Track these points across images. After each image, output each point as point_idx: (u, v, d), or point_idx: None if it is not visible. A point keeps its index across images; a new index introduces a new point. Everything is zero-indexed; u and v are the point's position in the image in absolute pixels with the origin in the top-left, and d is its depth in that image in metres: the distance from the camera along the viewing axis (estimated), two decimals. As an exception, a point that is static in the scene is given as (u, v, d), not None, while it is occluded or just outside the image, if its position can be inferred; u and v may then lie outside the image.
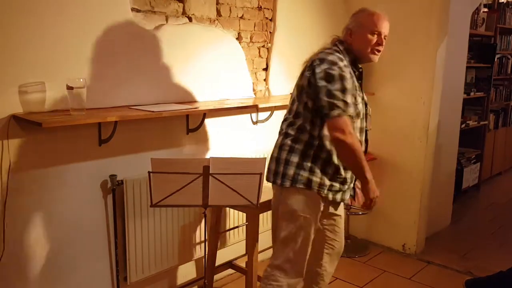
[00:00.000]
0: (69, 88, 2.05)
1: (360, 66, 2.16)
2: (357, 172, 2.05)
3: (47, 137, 2.14)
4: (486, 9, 5.07)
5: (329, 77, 1.92)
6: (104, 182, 2.38)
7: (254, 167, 2.01)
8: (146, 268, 2.53)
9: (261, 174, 2.02)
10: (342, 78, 1.93)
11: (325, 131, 1.99)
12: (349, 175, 2.11)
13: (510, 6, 5.43)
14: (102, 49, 2.28)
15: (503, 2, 5.33)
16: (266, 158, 2.14)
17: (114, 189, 2.40)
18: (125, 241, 2.45)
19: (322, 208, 2.09)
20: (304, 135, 2.03)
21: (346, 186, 2.13)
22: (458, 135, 4.13)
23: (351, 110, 1.96)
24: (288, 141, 2.06)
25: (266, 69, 3.21)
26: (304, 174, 2.02)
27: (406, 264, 3.42)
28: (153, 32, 2.49)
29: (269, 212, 2.33)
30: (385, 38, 2.09)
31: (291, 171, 2.03)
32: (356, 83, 2.07)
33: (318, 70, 1.95)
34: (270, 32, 3.17)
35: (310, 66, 2.00)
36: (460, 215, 4.38)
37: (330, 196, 2.08)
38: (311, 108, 2.00)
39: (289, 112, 2.12)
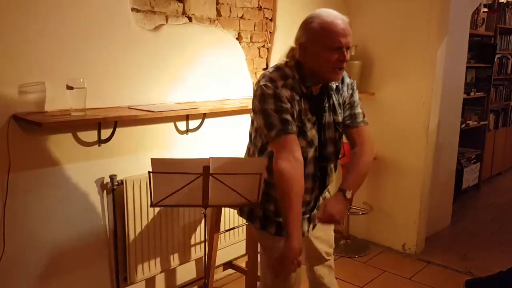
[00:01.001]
0: (69, 88, 2.05)
1: (328, 85, 1.79)
2: (282, 216, 1.69)
3: (47, 137, 2.14)
4: (486, 9, 5.08)
5: (263, 95, 1.69)
6: (104, 182, 2.38)
7: (254, 167, 2.01)
8: (146, 268, 2.53)
9: (261, 174, 2.01)
10: (276, 96, 1.68)
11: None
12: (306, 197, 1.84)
13: (510, 6, 5.43)
14: (102, 49, 2.28)
15: (503, 2, 5.33)
16: (266, 158, 2.12)
17: (114, 189, 2.40)
18: (125, 241, 2.45)
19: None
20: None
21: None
22: (458, 135, 4.13)
23: (293, 128, 1.68)
24: None
25: (266, 69, 3.20)
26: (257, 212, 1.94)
27: (406, 264, 3.42)
28: (153, 32, 2.49)
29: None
30: (348, 48, 1.68)
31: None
32: (304, 106, 1.74)
33: (256, 87, 1.75)
34: (270, 32, 3.17)
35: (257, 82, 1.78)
36: (460, 215, 4.37)
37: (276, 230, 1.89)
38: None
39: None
